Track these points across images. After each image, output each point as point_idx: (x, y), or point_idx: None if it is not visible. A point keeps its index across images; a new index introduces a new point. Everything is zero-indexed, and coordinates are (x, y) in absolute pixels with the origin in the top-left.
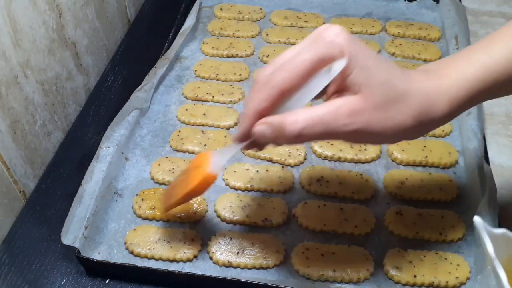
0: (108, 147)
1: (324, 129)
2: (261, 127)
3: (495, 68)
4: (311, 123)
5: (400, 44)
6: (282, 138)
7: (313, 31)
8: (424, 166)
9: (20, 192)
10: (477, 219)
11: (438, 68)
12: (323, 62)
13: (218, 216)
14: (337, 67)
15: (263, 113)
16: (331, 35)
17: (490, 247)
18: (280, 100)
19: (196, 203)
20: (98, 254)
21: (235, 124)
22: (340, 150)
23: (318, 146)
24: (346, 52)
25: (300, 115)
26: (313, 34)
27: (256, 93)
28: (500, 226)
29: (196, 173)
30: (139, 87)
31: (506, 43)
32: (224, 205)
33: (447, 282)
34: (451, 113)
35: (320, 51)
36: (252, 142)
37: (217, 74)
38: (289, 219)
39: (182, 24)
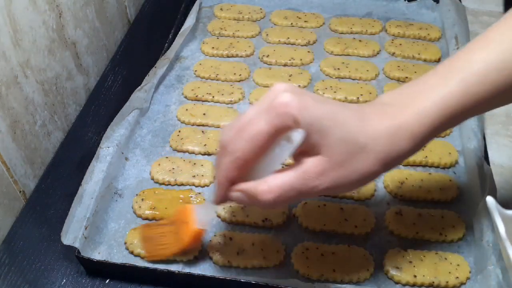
0: (108, 147)
1: (297, 193)
2: (237, 194)
3: (453, 102)
4: (283, 191)
5: (400, 44)
6: (258, 205)
7: (267, 94)
8: (424, 166)
9: (20, 192)
10: (489, 199)
11: (397, 102)
12: (279, 132)
13: (218, 216)
14: (297, 138)
15: (234, 180)
16: (281, 105)
17: (502, 228)
18: (247, 167)
19: (196, 203)
20: (98, 254)
21: None
22: None
23: None
24: (300, 123)
25: (271, 183)
26: (266, 99)
27: (224, 160)
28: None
29: (185, 230)
30: (139, 87)
31: (462, 74)
32: (224, 205)
33: (447, 282)
34: (415, 147)
35: (275, 122)
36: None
37: (217, 74)
38: (289, 219)
39: (182, 24)
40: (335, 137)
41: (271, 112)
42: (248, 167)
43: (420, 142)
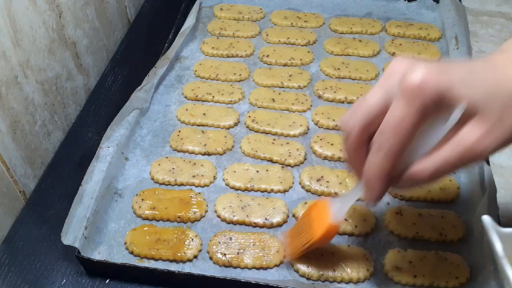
0: (108, 147)
1: (457, 164)
2: (400, 184)
3: None
4: (440, 165)
5: (400, 44)
6: (415, 184)
7: (387, 75)
8: None
9: (20, 192)
10: (486, 218)
11: None
12: (425, 115)
13: (218, 216)
14: (459, 112)
15: (389, 173)
16: (417, 86)
17: (499, 246)
18: (399, 156)
19: (196, 203)
20: (98, 254)
21: (235, 124)
22: (340, 150)
23: (318, 146)
24: (445, 95)
25: (425, 162)
26: (390, 81)
27: (373, 158)
28: (500, 226)
29: (319, 224)
30: (139, 87)
31: None
32: (224, 205)
33: (447, 282)
34: None
35: (419, 106)
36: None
37: (217, 74)
38: (289, 219)
39: (182, 24)
40: (485, 91)
41: (410, 97)
42: (400, 156)
43: None
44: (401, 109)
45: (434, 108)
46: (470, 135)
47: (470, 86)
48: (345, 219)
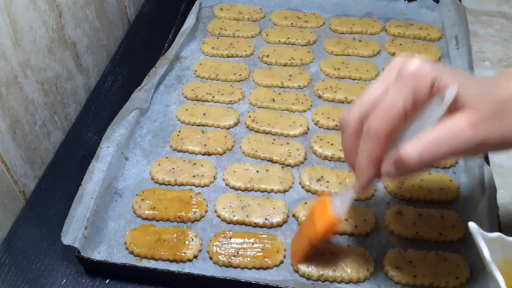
0: (108, 147)
1: (446, 150)
2: (385, 168)
3: None
4: (430, 146)
5: (400, 44)
6: (405, 169)
7: (388, 70)
8: None
9: (20, 192)
10: (472, 224)
11: None
12: (418, 100)
13: (218, 216)
14: (451, 95)
15: (378, 159)
16: (414, 72)
17: (486, 252)
18: (388, 142)
19: (196, 203)
20: (98, 254)
21: (235, 124)
22: (340, 150)
23: (318, 146)
24: (441, 81)
25: (415, 143)
26: (390, 73)
27: (363, 145)
28: (500, 226)
29: (321, 220)
30: (139, 87)
31: None
32: (224, 205)
33: (447, 282)
34: None
35: (411, 89)
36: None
37: (217, 74)
38: (289, 219)
39: (182, 24)
40: (475, 91)
41: (404, 82)
42: (389, 142)
43: None
44: (394, 93)
45: (426, 93)
46: (458, 121)
47: (463, 82)
48: (345, 219)
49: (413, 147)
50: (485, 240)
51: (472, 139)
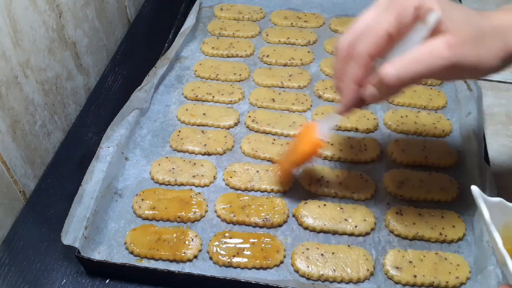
0: (108, 147)
1: (424, 67)
2: (368, 89)
3: None
4: (409, 64)
5: None
6: (386, 89)
7: None
8: (424, 166)
9: (20, 192)
10: (474, 188)
11: None
12: (403, 24)
13: (218, 216)
14: (433, 18)
15: (362, 81)
16: None
17: (486, 213)
18: (371, 64)
19: (196, 203)
20: (98, 254)
21: (235, 124)
22: (340, 150)
23: None
24: (424, 7)
25: (394, 62)
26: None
27: (350, 65)
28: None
29: (306, 141)
30: (139, 87)
31: None
32: (224, 205)
33: (447, 282)
34: None
35: (396, 13)
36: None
37: (217, 74)
38: (289, 219)
39: (182, 24)
40: (460, 17)
41: (390, 7)
42: (372, 62)
43: None
44: (380, 18)
45: (410, 17)
46: (437, 42)
47: (447, 9)
48: (345, 219)
49: (392, 66)
50: (486, 204)
51: (448, 59)
